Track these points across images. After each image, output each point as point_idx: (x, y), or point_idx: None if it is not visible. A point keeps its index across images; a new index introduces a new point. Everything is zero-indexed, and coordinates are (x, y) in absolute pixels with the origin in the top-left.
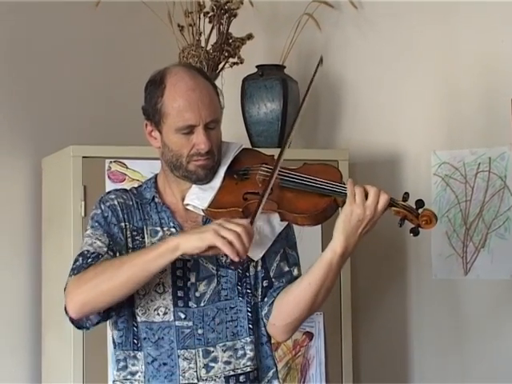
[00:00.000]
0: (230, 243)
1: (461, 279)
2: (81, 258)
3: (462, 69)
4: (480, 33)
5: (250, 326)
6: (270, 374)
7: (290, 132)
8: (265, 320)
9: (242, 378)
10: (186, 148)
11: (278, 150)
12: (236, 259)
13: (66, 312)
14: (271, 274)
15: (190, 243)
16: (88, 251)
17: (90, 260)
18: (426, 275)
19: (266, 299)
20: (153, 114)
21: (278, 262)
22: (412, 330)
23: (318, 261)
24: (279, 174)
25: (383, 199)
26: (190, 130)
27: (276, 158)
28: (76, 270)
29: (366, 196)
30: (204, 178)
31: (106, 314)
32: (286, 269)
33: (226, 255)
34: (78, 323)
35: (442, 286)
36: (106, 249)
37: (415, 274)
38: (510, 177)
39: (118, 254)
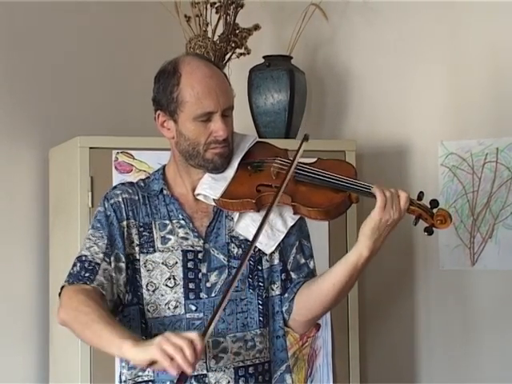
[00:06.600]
0: (171, 358)
1: (468, 270)
2: (78, 265)
3: (470, 59)
4: (488, 22)
5: (261, 318)
6: (283, 367)
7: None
8: (285, 315)
9: (250, 370)
10: (203, 136)
11: (285, 140)
12: (174, 373)
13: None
14: (288, 267)
15: (134, 354)
16: (86, 257)
17: (85, 273)
18: (434, 266)
19: (286, 295)
20: (167, 103)
21: (294, 255)
22: (420, 320)
23: (342, 262)
24: (294, 168)
25: (403, 198)
26: (207, 117)
27: (295, 153)
28: (71, 279)
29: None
30: (220, 167)
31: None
32: (303, 261)
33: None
34: None
35: (449, 276)
36: (102, 255)
37: (422, 265)
38: None
39: (112, 258)
